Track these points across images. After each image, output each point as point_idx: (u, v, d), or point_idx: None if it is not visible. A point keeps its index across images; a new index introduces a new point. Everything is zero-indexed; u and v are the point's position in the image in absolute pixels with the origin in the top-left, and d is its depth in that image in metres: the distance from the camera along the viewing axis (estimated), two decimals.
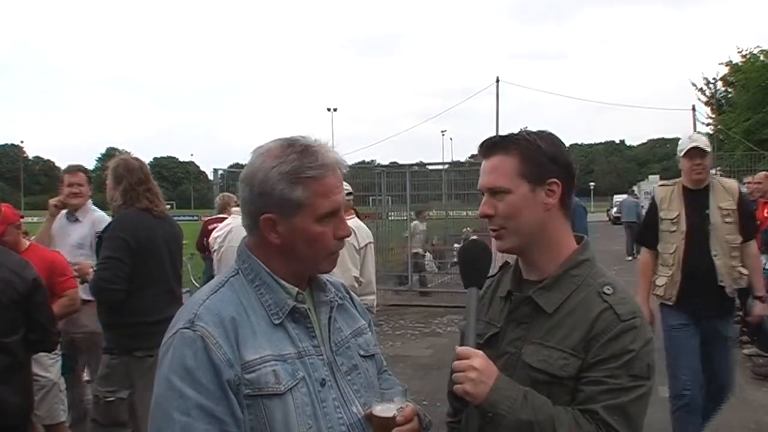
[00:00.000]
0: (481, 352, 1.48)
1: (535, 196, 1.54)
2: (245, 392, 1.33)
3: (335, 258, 1.51)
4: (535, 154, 1.54)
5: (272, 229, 1.42)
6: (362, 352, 1.55)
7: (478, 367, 1.43)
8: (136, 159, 3.74)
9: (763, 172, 8.04)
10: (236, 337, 1.35)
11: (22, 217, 4.29)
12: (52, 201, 4.67)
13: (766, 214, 7.30)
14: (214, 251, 5.65)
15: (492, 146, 1.59)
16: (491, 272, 1.70)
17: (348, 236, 1.49)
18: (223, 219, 7.52)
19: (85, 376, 5.07)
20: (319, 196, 1.40)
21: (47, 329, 3.22)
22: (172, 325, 1.40)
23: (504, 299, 1.64)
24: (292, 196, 1.39)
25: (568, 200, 1.60)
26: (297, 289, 1.45)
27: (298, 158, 1.40)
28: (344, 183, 1.48)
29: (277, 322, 1.41)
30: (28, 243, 4.07)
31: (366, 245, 4.76)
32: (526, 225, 1.55)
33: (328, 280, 1.58)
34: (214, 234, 5.81)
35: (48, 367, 3.90)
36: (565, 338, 1.49)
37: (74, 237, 4.55)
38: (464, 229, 13.32)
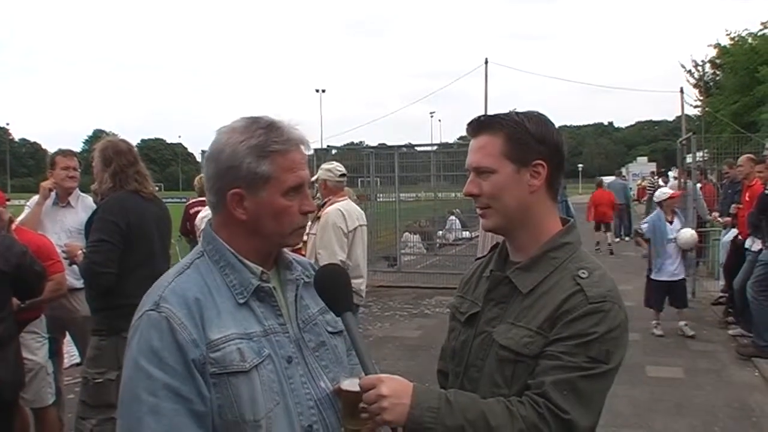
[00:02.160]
0: (385, 376, 1.40)
1: (519, 177, 1.54)
2: (211, 371, 1.34)
3: (301, 233, 1.53)
4: (521, 135, 1.53)
5: (239, 204, 1.44)
6: (330, 329, 1.56)
7: (386, 393, 1.37)
8: (124, 141, 3.71)
9: (746, 155, 8.06)
10: (201, 318, 1.36)
11: (8, 200, 4.25)
12: (46, 184, 4.54)
13: (748, 198, 7.36)
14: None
15: (479, 126, 1.58)
16: (480, 254, 1.70)
17: (313, 212, 1.51)
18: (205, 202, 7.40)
19: (75, 359, 5.06)
20: (285, 171, 1.43)
21: (34, 287, 3.44)
22: (140, 308, 1.42)
23: (487, 279, 1.65)
24: (259, 170, 1.41)
25: (556, 182, 1.59)
26: (261, 268, 1.46)
27: (265, 133, 1.42)
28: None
29: (241, 301, 1.42)
30: (13, 226, 4.03)
31: (356, 228, 4.70)
32: (510, 205, 1.55)
33: (294, 258, 1.59)
34: (203, 215, 5.63)
35: (35, 350, 3.88)
36: (533, 318, 1.49)
37: (71, 222, 4.52)
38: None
